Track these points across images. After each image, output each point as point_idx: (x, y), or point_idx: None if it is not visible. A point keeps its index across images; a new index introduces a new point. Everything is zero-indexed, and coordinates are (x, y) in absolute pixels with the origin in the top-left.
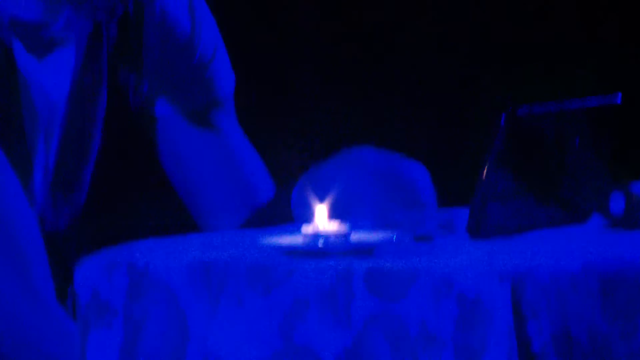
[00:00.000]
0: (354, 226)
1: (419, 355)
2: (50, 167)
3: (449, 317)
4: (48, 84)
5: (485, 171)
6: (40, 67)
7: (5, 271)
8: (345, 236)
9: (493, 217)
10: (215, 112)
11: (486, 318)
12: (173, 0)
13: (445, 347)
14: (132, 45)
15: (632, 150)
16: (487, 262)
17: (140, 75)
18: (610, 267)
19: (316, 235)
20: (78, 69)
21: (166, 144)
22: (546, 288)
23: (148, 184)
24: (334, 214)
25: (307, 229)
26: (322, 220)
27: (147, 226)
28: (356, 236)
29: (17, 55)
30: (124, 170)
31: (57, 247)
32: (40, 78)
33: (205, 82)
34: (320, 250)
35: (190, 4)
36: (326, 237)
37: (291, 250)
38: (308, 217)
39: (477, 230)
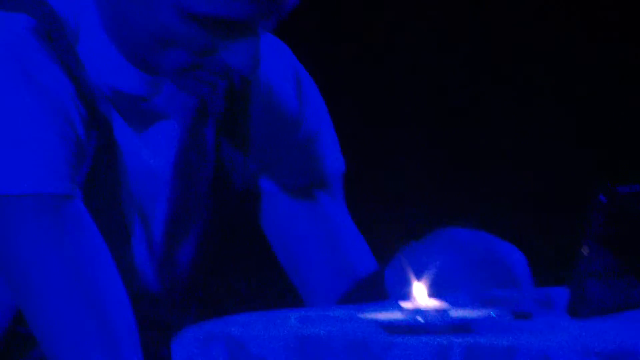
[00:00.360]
0: (452, 304)
1: None
2: (153, 241)
3: None
4: (148, 158)
5: (584, 249)
6: (140, 141)
7: (95, 349)
8: (445, 312)
9: (593, 296)
10: (321, 191)
11: None
12: (281, 80)
13: None
14: (238, 121)
15: None
16: (585, 341)
17: (247, 151)
18: None
19: (415, 311)
20: (182, 143)
21: (270, 219)
22: None
23: (250, 259)
24: (430, 292)
25: (406, 304)
26: (421, 296)
27: (248, 301)
28: (455, 313)
29: (116, 127)
30: (227, 245)
31: (157, 316)
32: (140, 152)
33: (309, 159)
34: (420, 325)
35: (298, 84)
36: (425, 312)
37: (390, 325)
38: (403, 295)
39: (576, 308)
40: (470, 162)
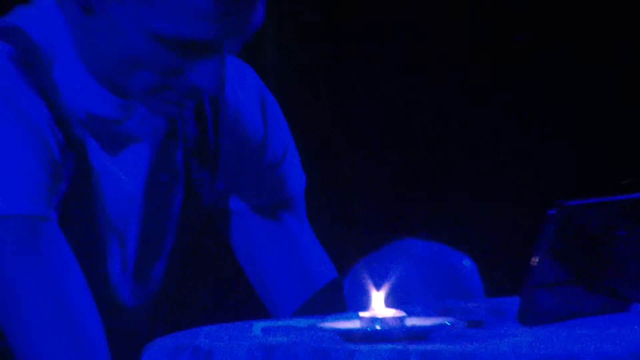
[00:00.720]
0: (409, 313)
1: None
2: (128, 259)
3: None
4: (122, 180)
5: (533, 260)
6: (113, 163)
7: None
8: (401, 321)
9: (542, 304)
10: (285, 209)
11: None
12: (247, 103)
13: None
14: (207, 143)
15: None
16: (535, 347)
17: (215, 172)
18: None
19: (373, 320)
20: (153, 165)
21: (238, 235)
22: None
23: (216, 273)
24: (387, 301)
25: (364, 314)
26: (379, 306)
27: (214, 312)
28: (411, 321)
29: (90, 151)
30: (195, 260)
31: (131, 330)
32: (114, 174)
33: (275, 181)
34: (378, 333)
35: (263, 106)
36: (383, 321)
37: (350, 334)
38: (362, 304)
39: (526, 317)
40: (426, 181)
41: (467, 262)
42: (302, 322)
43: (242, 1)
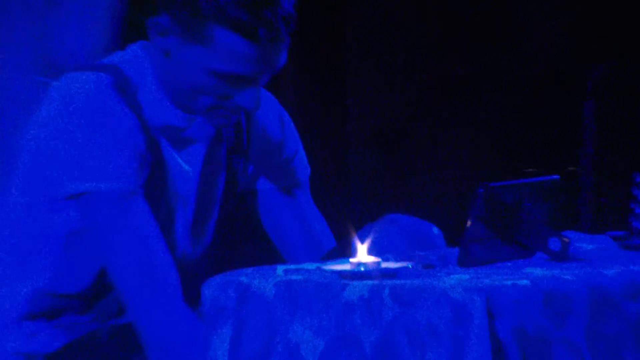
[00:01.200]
0: (384, 259)
1: (426, 344)
2: (188, 222)
3: (445, 317)
4: (185, 169)
5: (468, 223)
6: (179, 157)
7: (153, 291)
8: (378, 264)
9: (474, 253)
10: (296, 189)
11: (469, 318)
12: (270, 118)
13: (443, 336)
14: (242, 144)
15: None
16: (469, 282)
17: (247, 164)
18: (549, 284)
19: (359, 264)
20: (206, 159)
21: (264, 208)
22: (508, 298)
23: (249, 233)
24: (372, 252)
25: (353, 260)
26: (363, 255)
27: (250, 260)
28: (385, 265)
29: (164, 149)
30: (235, 225)
31: (192, 271)
32: (180, 165)
33: (289, 170)
34: (362, 273)
35: (281, 121)
36: (366, 265)
37: (343, 273)
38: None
39: (463, 262)
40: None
41: (435, 230)
42: (311, 266)
43: (275, 50)
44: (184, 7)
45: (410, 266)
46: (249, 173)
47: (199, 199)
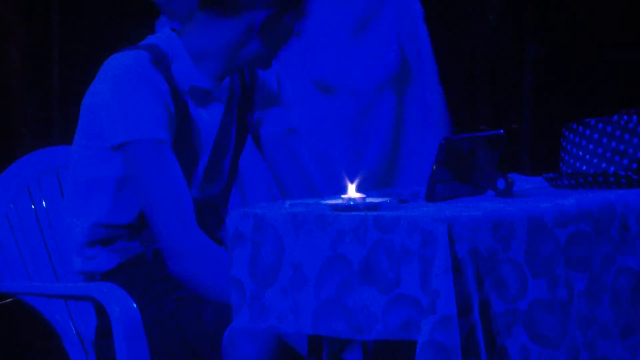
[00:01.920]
0: (368, 196)
1: (401, 261)
2: (208, 163)
3: (416, 241)
4: (208, 122)
5: (434, 167)
6: (203, 113)
7: (175, 220)
8: (364, 199)
9: (438, 191)
10: (291, 134)
11: (434, 242)
12: (268, 75)
13: (414, 256)
14: (248, 97)
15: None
16: (435, 213)
17: (252, 112)
18: (497, 214)
19: (349, 199)
20: (223, 112)
21: (265, 149)
22: (465, 225)
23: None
24: (359, 190)
25: (344, 196)
26: (352, 192)
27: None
28: (369, 199)
29: (190, 107)
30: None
31: (213, 205)
32: (203, 119)
33: (285, 116)
34: (351, 206)
35: (277, 77)
36: (354, 200)
37: (336, 206)
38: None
39: (430, 197)
40: None
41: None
42: (312, 201)
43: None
44: None
45: (388, 201)
46: (254, 119)
47: (217, 144)
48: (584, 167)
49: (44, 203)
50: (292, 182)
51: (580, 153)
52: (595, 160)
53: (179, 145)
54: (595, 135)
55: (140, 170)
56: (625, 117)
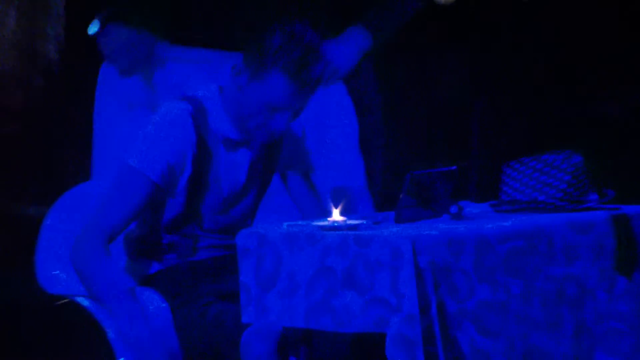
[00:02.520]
0: (349, 219)
1: (375, 270)
2: (224, 201)
3: (387, 254)
4: (237, 164)
5: (401, 196)
6: (234, 156)
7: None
8: (345, 221)
9: (404, 215)
10: (310, 172)
11: (401, 255)
12: (295, 128)
13: (386, 266)
14: (277, 142)
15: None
16: (402, 232)
17: (278, 159)
18: (451, 234)
19: (334, 221)
20: (252, 157)
21: (292, 185)
22: (425, 242)
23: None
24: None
25: (330, 219)
26: (336, 215)
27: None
28: (350, 222)
29: (222, 152)
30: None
31: (237, 227)
32: (233, 161)
33: (307, 161)
34: (335, 226)
35: (303, 130)
36: (337, 222)
37: (323, 227)
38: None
39: (398, 220)
40: None
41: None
42: (304, 222)
43: (305, 94)
44: (253, 57)
45: (365, 222)
46: (282, 162)
47: (244, 183)
48: (520, 196)
49: None
50: (311, 211)
51: (517, 185)
52: (528, 191)
53: (208, 179)
54: (529, 171)
55: (114, 182)
56: (552, 157)
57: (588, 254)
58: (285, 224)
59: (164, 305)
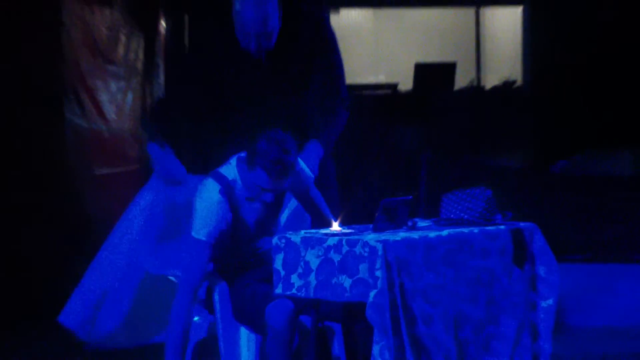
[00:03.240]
0: (343, 228)
1: (359, 262)
2: (250, 240)
3: (367, 252)
4: (254, 212)
5: (377, 215)
6: (252, 207)
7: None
8: (342, 231)
9: (379, 227)
10: (310, 191)
11: (376, 252)
12: (295, 184)
13: (366, 260)
14: (281, 195)
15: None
16: (377, 237)
17: (284, 195)
18: (408, 239)
19: (333, 231)
20: (262, 205)
21: (296, 194)
22: (392, 244)
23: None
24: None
25: (331, 229)
26: (335, 226)
27: None
28: (344, 231)
29: (243, 206)
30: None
31: (262, 250)
32: (250, 211)
33: (304, 184)
34: (334, 233)
35: (299, 175)
36: (336, 230)
37: (326, 234)
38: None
39: (375, 230)
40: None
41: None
42: (314, 231)
43: (282, 180)
44: (248, 154)
45: (353, 231)
46: (285, 197)
47: (258, 222)
48: (452, 215)
49: None
50: (317, 222)
51: (451, 208)
52: (457, 212)
53: (237, 225)
54: (458, 199)
55: (190, 252)
56: (473, 190)
57: (496, 253)
58: (302, 232)
59: (223, 283)
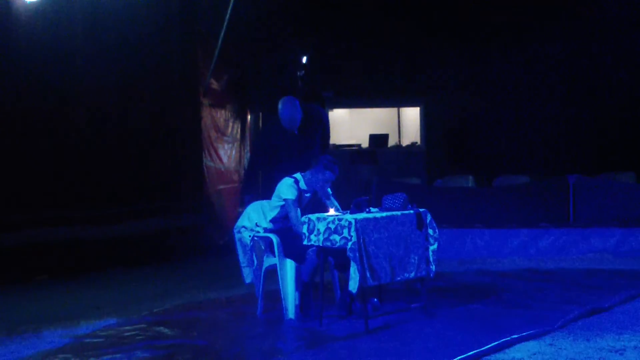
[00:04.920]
0: (337, 211)
1: (344, 229)
2: (305, 205)
3: (347, 224)
4: (307, 196)
5: (352, 206)
6: (304, 193)
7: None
8: (335, 214)
9: (351, 212)
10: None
11: (352, 225)
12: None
13: (347, 228)
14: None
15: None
16: (353, 217)
17: (315, 192)
18: (369, 218)
19: (329, 214)
20: (311, 194)
21: (323, 192)
22: (361, 220)
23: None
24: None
25: (328, 213)
26: (332, 212)
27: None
28: (336, 214)
29: (302, 193)
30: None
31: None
32: (306, 197)
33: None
34: (330, 216)
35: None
36: (332, 214)
37: (325, 216)
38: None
39: (351, 213)
40: None
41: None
42: (323, 215)
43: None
44: (318, 168)
45: (341, 214)
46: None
47: (307, 205)
48: (389, 206)
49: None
50: (326, 206)
51: (388, 203)
52: (390, 205)
53: (302, 202)
54: (392, 199)
55: (287, 206)
56: (399, 194)
57: (408, 223)
58: (315, 215)
59: (278, 238)
